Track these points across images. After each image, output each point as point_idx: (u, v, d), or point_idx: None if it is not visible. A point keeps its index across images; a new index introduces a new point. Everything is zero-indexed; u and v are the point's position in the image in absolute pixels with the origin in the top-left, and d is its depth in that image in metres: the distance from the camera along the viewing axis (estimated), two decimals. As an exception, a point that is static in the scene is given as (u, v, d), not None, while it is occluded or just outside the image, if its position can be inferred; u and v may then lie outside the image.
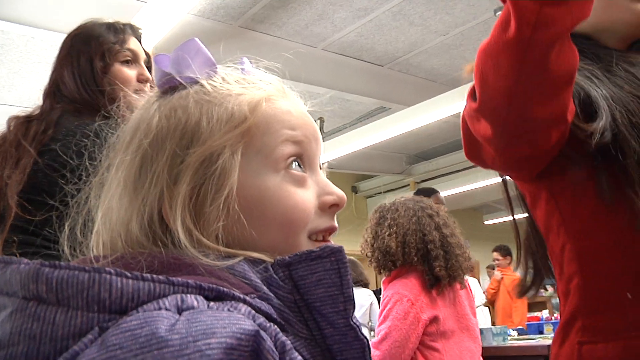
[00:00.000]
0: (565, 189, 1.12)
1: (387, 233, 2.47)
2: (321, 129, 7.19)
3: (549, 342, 3.84)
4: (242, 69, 0.75)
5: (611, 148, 1.02)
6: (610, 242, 1.07)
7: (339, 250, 0.60)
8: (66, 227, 0.70)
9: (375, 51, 5.72)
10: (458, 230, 2.54)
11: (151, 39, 4.25)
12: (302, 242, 0.68)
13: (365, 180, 10.37)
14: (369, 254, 2.56)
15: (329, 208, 0.71)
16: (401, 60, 5.95)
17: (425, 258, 2.42)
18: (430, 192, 4.43)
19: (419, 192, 4.49)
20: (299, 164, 0.70)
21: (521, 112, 0.97)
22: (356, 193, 10.44)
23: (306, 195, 0.68)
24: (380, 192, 9.79)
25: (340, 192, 0.72)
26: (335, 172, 8.10)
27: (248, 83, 0.71)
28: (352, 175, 10.07)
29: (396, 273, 2.47)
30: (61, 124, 1.52)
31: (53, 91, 1.64)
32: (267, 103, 0.69)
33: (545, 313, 8.01)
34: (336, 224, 0.72)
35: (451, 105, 5.64)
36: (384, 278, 2.56)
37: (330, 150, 6.99)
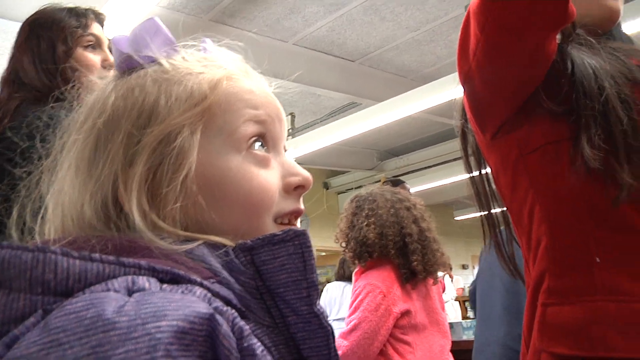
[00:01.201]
0: (536, 149, 1.12)
1: (364, 223, 2.42)
2: (292, 124, 7.18)
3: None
4: (204, 48, 0.72)
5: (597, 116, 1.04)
6: (583, 208, 1.07)
7: (302, 234, 0.58)
8: (14, 212, 0.67)
9: (347, 46, 5.71)
10: (433, 225, 2.52)
11: (118, 31, 4.18)
12: (267, 225, 0.65)
13: (337, 176, 10.38)
14: (344, 243, 2.51)
15: (294, 190, 0.68)
16: (372, 55, 5.96)
17: (402, 251, 2.38)
18: (398, 183, 4.47)
19: (386, 183, 4.52)
20: (262, 145, 0.67)
21: None
22: (327, 189, 10.45)
23: (270, 176, 0.66)
24: (352, 188, 9.81)
25: (305, 173, 0.69)
26: (306, 168, 8.04)
27: (209, 62, 0.69)
28: (323, 171, 10.08)
29: (371, 264, 2.43)
30: (19, 113, 1.45)
31: (12, 79, 1.56)
32: (229, 82, 0.67)
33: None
34: (302, 207, 0.70)
35: (422, 100, 5.66)
36: (356, 269, 2.53)
37: (301, 146, 6.97)
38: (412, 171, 9.24)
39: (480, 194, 1.33)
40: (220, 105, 0.65)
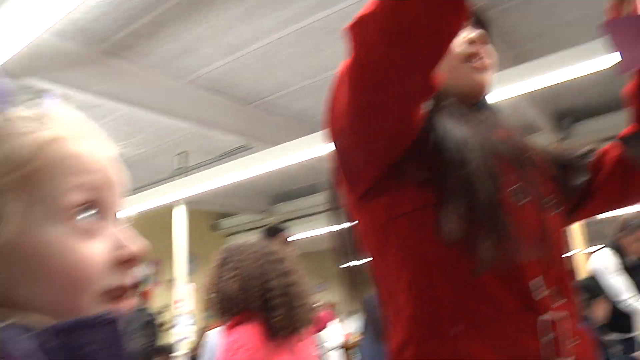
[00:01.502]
0: (403, 214, 1.12)
1: (229, 275, 2.37)
2: (184, 164, 7.04)
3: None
4: (42, 105, 0.66)
5: (460, 187, 1.05)
6: (447, 276, 1.08)
7: (116, 320, 0.54)
8: None
9: (242, 89, 5.70)
10: (305, 279, 2.49)
11: (5, 57, 3.96)
12: (89, 303, 0.59)
13: (226, 218, 10.26)
14: (210, 295, 2.44)
15: (124, 263, 0.63)
16: (267, 99, 5.97)
17: (265, 306, 2.34)
18: (276, 231, 4.48)
19: (268, 230, 4.52)
20: (92, 214, 0.62)
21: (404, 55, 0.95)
22: (216, 231, 10.29)
23: (95, 249, 0.60)
24: (241, 231, 9.71)
25: (136, 246, 0.64)
26: (196, 209, 7.93)
27: (41, 121, 0.63)
28: (212, 213, 9.94)
29: (238, 319, 2.37)
30: None
31: None
32: (59, 144, 0.61)
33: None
34: (129, 282, 0.64)
35: (314, 147, 5.70)
36: (225, 323, 2.46)
37: (192, 186, 6.84)
38: (302, 216, 9.26)
39: (344, 248, 1.32)
40: (45, 171, 0.59)
